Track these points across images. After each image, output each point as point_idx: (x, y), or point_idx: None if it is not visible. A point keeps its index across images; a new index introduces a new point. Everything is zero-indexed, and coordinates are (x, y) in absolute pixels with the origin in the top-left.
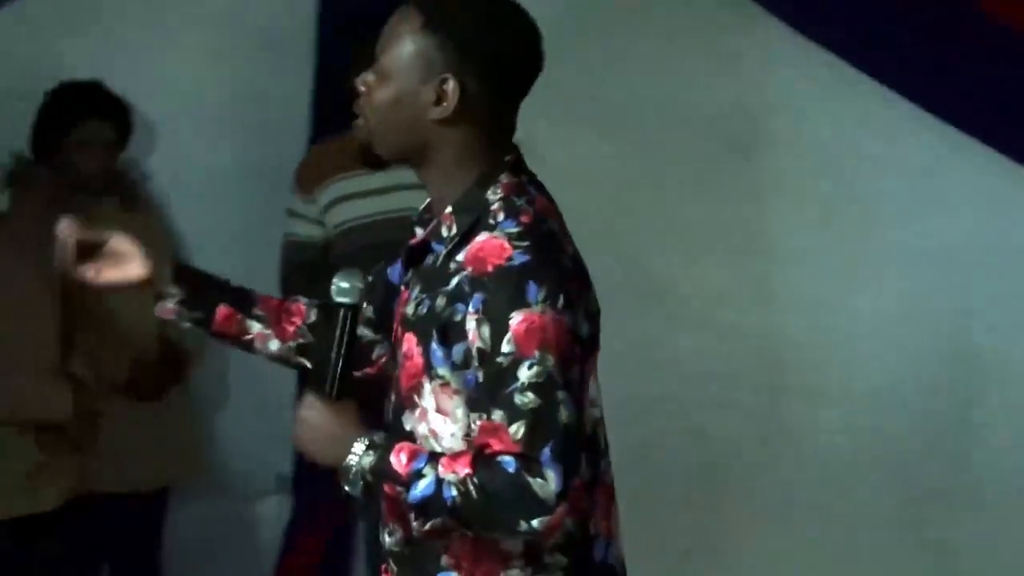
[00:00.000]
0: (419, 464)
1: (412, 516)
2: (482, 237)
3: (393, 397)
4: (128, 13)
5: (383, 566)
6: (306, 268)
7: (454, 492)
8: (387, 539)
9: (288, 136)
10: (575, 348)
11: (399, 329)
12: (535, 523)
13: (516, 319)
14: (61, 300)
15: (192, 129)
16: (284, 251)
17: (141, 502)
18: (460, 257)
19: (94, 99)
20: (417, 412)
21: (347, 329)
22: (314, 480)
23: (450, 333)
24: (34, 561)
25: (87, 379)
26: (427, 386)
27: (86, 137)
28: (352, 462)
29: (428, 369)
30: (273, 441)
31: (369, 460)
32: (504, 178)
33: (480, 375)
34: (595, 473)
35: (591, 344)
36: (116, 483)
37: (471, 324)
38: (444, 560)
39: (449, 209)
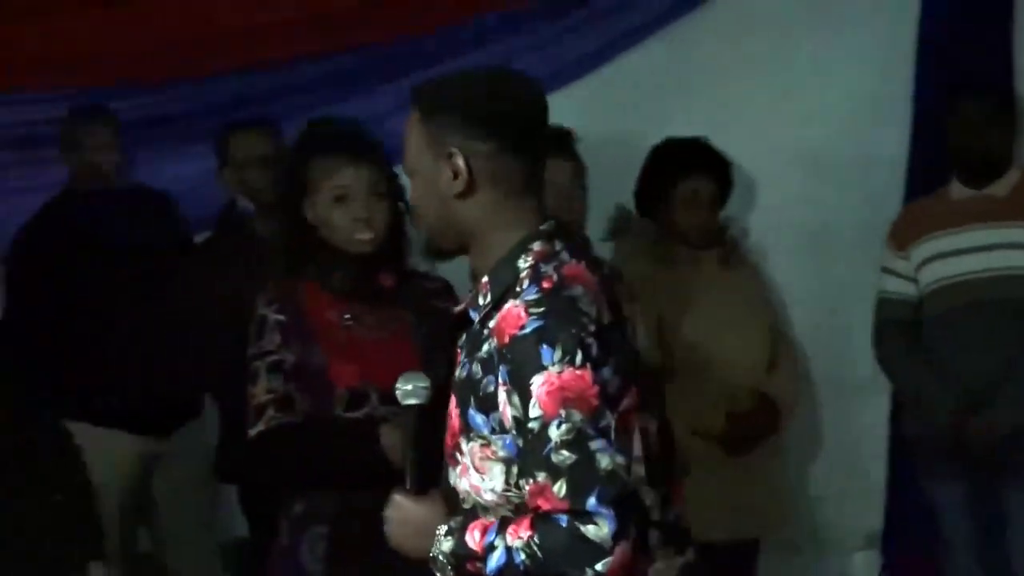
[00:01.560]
0: (490, 537)
1: None
2: (507, 305)
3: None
4: (731, 72)
5: None
6: (900, 325)
7: (523, 556)
8: None
9: (884, 194)
10: (603, 397)
11: (452, 407)
12: (599, 567)
13: (536, 383)
14: (659, 349)
15: (790, 186)
16: (878, 308)
17: (731, 553)
18: (491, 324)
19: (698, 156)
20: (459, 469)
21: (416, 428)
22: (905, 536)
23: (486, 402)
24: None
25: (677, 429)
26: (465, 446)
27: (689, 193)
28: (436, 551)
29: (466, 431)
30: (863, 496)
31: (449, 544)
32: (537, 246)
33: (520, 442)
34: (642, 539)
35: (624, 398)
36: (706, 532)
37: (502, 396)
38: None
39: (485, 279)
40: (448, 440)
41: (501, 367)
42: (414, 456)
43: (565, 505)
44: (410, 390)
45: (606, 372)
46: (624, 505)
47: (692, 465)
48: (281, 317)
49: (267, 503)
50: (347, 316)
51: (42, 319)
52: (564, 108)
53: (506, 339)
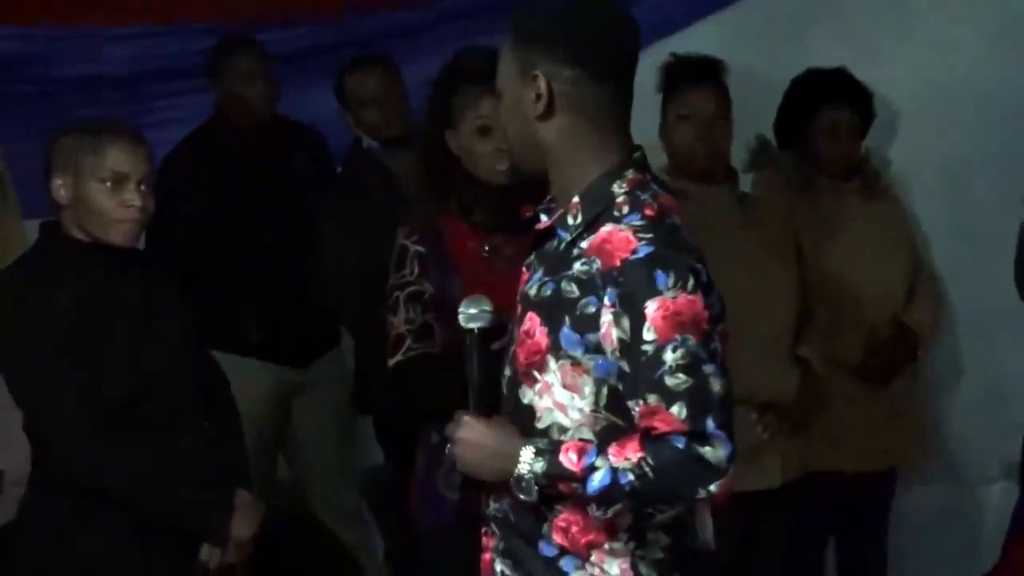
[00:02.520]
0: (590, 459)
1: (594, 507)
2: (607, 228)
3: (508, 372)
4: (872, 2)
5: (485, 530)
6: None
7: (631, 477)
8: (491, 504)
9: None
10: (713, 323)
11: (519, 307)
12: (712, 487)
13: (652, 307)
14: (799, 281)
15: (931, 118)
16: (1020, 236)
17: (870, 482)
18: (584, 244)
19: (839, 86)
20: (538, 387)
21: (479, 351)
22: None
23: (584, 322)
24: (762, 533)
25: (815, 361)
26: (552, 363)
27: (829, 123)
28: (523, 471)
29: (555, 349)
30: (1001, 427)
31: (540, 466)
32: (630, 174)
33: (626, 364)
34: None
35: (721, 323)
36: (846, 463)
37: (607, 317)
38: (546, 528)
39: (576, 199)
40: (524, 357)
41: (609, 289)
42: (480, 380)
43: (684, 427)
44: (474, 314)
45: (712, 296)
46: (731, 429)
47: (832, 396)
48: (421, 248)
49: (404, 432)
50: (487, 247)
51: (185, 249)
52: (705, 39)
53: (616, 262)
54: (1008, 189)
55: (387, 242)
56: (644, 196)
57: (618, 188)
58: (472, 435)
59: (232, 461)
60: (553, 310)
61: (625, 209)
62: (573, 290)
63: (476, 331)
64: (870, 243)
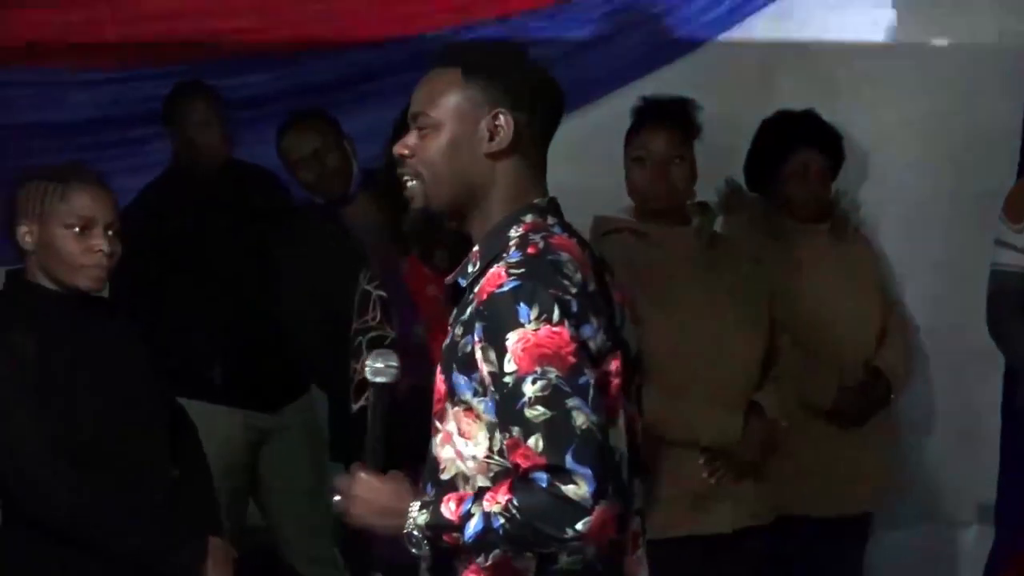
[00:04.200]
0: (466, 506)
1: (475, 555)
2: (492, 269)
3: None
4: (840, 43)
5: None
6: (1013, 297)
7: (501, 520)
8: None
9: (997, 166)
10: (582, 355)
11: (438, 374)
12: (579, 527)
13: (512, 339)
14: (770, 324)
15: (900, 158)
16: (992, 280)
17: (843, 527)
18: (476, 289)
19: (808, 128)
20: (439, 437)
21: (381, 405)
22: (1018, 510)
23: (466, 363)
24: None
25: (771, 405)
26: (450, 411)
27: (799, 166)
28: (411, 527)
29: (451, 396)
30: (975, 469)
31: (424, 518)
32: (528, 218)
33: (497, 398)
34: (624, 510)
35: (609, 360)
36: (817, 507)
37: (478, 354)
38: None
39: (476, 248)
40: (435, 407)
41: (477, 324)
42: (379, 434)
43: (542, 460)
44: (380, 368)
45: (587, 330)
46: (602, 464)
47: (804, 439)
48: (382, 293)
49: None
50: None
51: (149, 295)
52: (671, 82)
53: (484, 296)
54: (979, 227)
55: (343, 291)
56: (534, 237)
57: (514, 232)
58: (364, 491)
59: (202, 507)
60: (448, 357)
61: (512, 249)
62: (459, 333)
63: (380, 385)
64: (841, 285)
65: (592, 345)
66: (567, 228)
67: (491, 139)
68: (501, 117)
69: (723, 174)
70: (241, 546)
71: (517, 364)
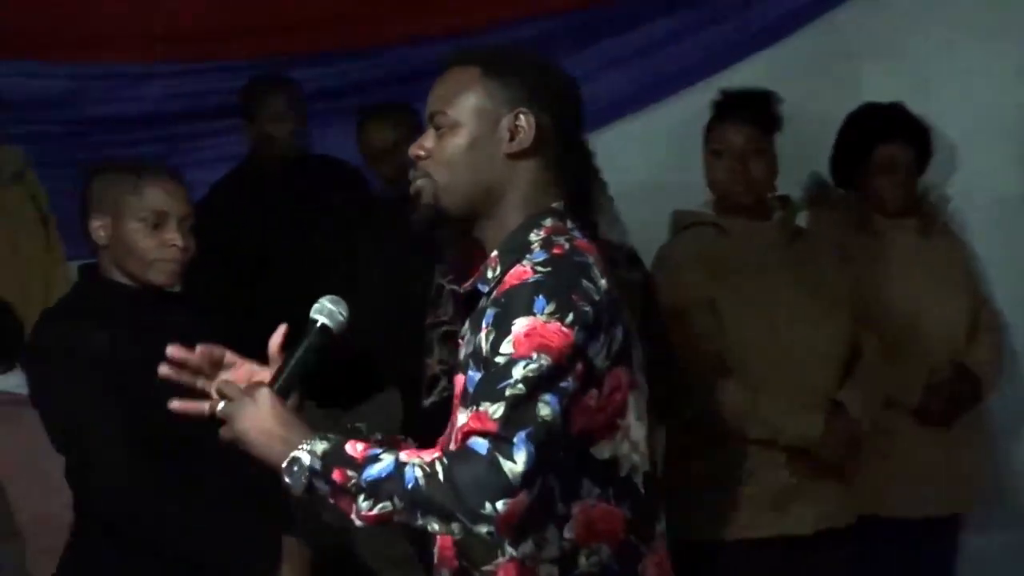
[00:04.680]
0: (376, 451)
1: (361, 498)
2: (513, 269)
3: None
4: (931, 34)
5: None
6: None
7: (417, 473)
8: None
9: None
10: (577, 364)
11: (456, 377)
12: (499, 505)
13: (519, 324)
14: (855, 322)
15: (990, 152)
16: None
17: (931, 528)
18: (495, 292)
19: (896, 122)
20: (452, 437)
21: (314, 343)
22: None
23: (476, 356)
24: None
25: (855, 405)
26: (462, 418)
27: (886, 160)
28: (300, 452)
29: (464, 397)
30: None
31: (322, 446)
32: (548, 222)
33: (480, 375)
34: (644, 523)
35: (617, 369)
36: (904, 508)
37: (482, 339)
38: None
39: (495, 252)
40: (456, 423)
41: (488, 311)
42: (299, 370)
43: (493, 428)
44: (330, 310)
45: (594, 347)
46: (543, 457)
47: (889, 439)
48: (457, 288)
49: None
50: None
51: (224, 291)
52: (755, 74)
53: (504, 287)
54: None
55: (420, 287)
56: (558, 239)
57: (534, 236)
58: (259, 405)
59: (277, 506)
60: (463, 363)
61: (536, 249)
62: (472, 337)
63: (321, 326)
64: (929, 282)
65: (597, 362)
66: (586, 232)
67: (511, 139)
68: (522, 117)
69: (808, 168)
70: (317, 545)
71: (515, 347)
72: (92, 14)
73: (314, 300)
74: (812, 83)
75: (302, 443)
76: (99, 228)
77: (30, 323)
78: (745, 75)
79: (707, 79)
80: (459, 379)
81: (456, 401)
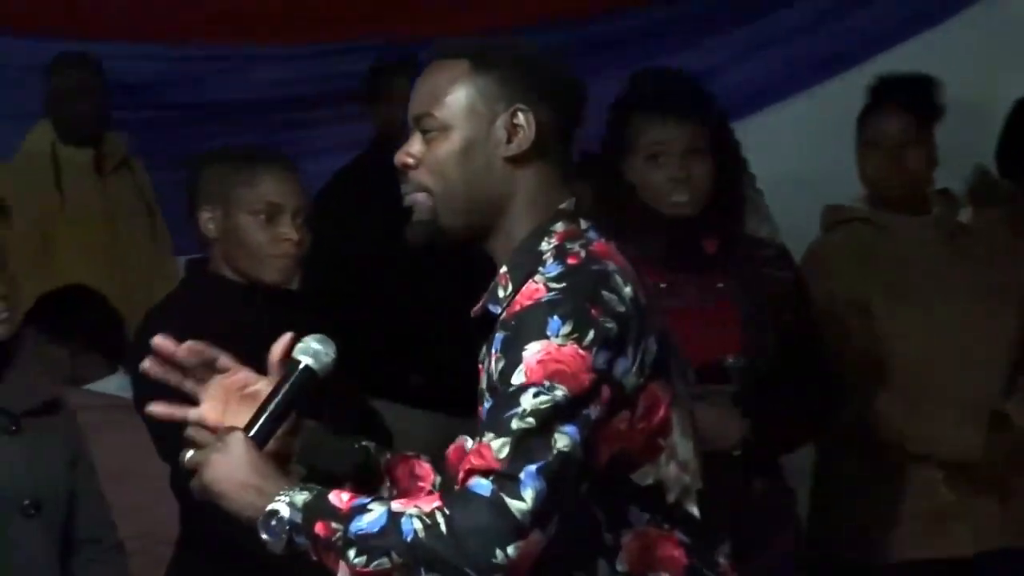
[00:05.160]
0: (364, 500)
1: (352, 553)
2: (526, 287)
3: None
4: None
5: None
6: None
7: (416, 525)
8: None
9: None
10: (600, 388)
11: (478, 409)
12: (510, 550)
13: (531, 349)
14: (1018, 327)
15: None
16: None
17: None
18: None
19: None
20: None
21: (296, 385)
22: None
23: (489, 386)
24: None
25: (1018, 418)
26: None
27: None
28: (278, 507)
29: (473, 435)
30: None
31: (303, 497)
32: (560, 227)
33: (487, 407)
34: (706, 547)
35: (654, 385)
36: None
37: (493, 368)
38: None
39: (504, 268)
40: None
41: (497, 335)
42: (279, 411)
43: (496, 466)
44: (317, 350)
45: (621, 364)
46: (559, 494)
47: None
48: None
49: None
50: (663, 285)
51: (342, 289)
52: (915, 59)
53: (515, 309)
54: None
55: None
56: (572, 246)
57: (546, 245)
58: (233, 454)
59: None
60: (483, 393)
61: (549, 262)
62: (485, 365)
63: (305, 367)
64: None
65: (627, 382)
66: (602, 232)
67: (509, 140)
68: (521, 115)
69: (971, 160)
70: None
71: (527, 375)
72: None
73: (439, 303)
74: (976, 68)
75: (279, 494)
76: (208, 221)
77: (131, 318)
78: (903, 61)
79: (861, 65)
80: (480, 411)
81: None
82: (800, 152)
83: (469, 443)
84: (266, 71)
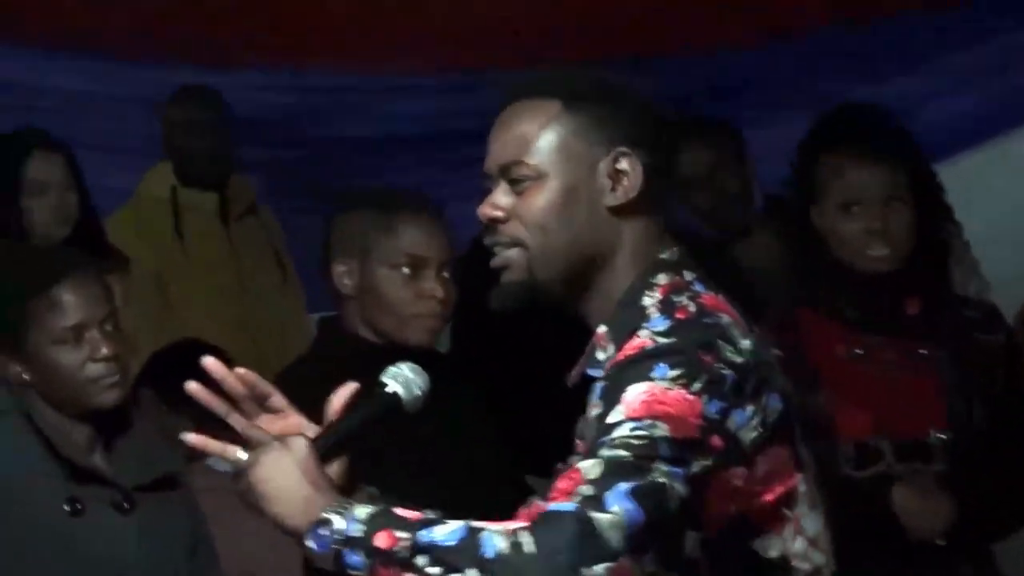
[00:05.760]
0: (431, 515)
1: (422, 562)
2: (629, 342)
3: None
4: None
5: None
6: None
7: (499, 542)
8: None
9: None
10: (711, 437)
11: None
12: (600, 570)
13: (632, 391)
14: None
15: None
16: None
17: None
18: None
19: None
20: None
21: (377, 412)
22: None
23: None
24: None
25: None
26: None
27: None
28: (332, 516)
29: None
30: None
31: (364, 511)
32: (662, 279)
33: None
34: None
35: (779, 446)
36: None
37: (591, 417)
38: None
39: (603, 328)
40: None
41: (597, 387)
42: (353, 426)
43: (586, 485)
44: (408, 378)
45: (738, 417)
46: (656, 525)
47: None
48: (776, 351)
49: None
50: (858, 350)
51: (496, 352)
52: None
53: (620, 357)
54: None
55: None
56: (679, 299)
57: (649, 299)
58: (293, 456)
59: None
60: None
61: (654, 316)
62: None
63: (392, 394)
64: None
65: (744, 436)
66: (708, 283)
67: (613, 188)
68: (624, 159)
69: None
70: None
71: (626, 412)
72: (328, 15)
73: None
74: None
75: (335, 506)
76: (343, 275)
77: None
78: None
79: None
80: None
81: None
82: (1012, 198)
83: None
84: (406, 104)
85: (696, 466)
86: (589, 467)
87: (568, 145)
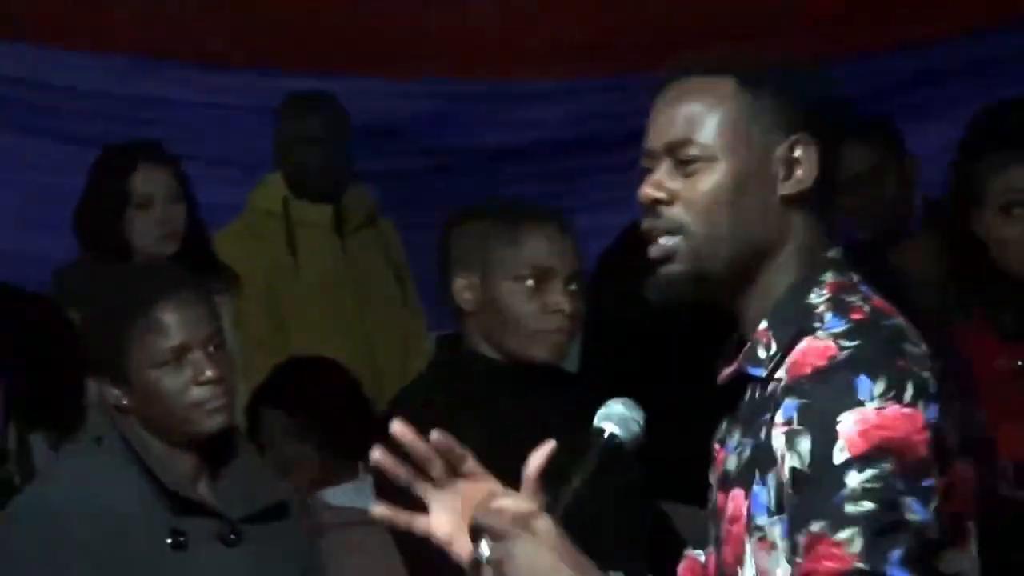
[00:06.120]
0: None
1: None
2: (802, 344)
3: None
4: None
5: None
6: None
7: None
8: None
9: None
10: (934, 450)
11: (719, 497)
12: None
13: (847, 420)
14: None
15: None
16: None
17: None
18: (780, 374)
19: None
20: None
21: (602, 459)
22: None
23: (764, 463)
24: None
25: None
26: (748, 548)
27: None
28: None
29: (749, 524)
30: None
31: None
32: (830, 277)
33: (796, 502)
34: None
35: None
36: None
37: (779, 441)
38: None
39: (764, 324)
40: (729, 556)
41: (786, 401)
42: (577, 488)
43: (858, 564)
44: (623, 415)
45: (946, 421)
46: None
47: None
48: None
49: None
50: (1021, 363)
51: (627, 370)
52: None
53: (807, 370)
54: None
55: None
56: (851, 298)
57: (816, 297)
58: (546, 543)
59: None
60: (749, 472)
61: (827, 316)
62: (763, 436)
63: (611, 436)
64: None
65: (948, 442)
66: (872, 286)
67: (788, 177)
68: (800, 147)
69: None
70: None
71: (849, 450)
72: (455, 19)
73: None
74: None
75: None
76: (464, 289)
77: (379, 405)
78: None
79: None
80: (733, 496)
81: (727, 525)
82: None
83: (702, 558)
84: (536, 110)
85: (932, 488)
86: (848, 538)
87: (742, 127)
